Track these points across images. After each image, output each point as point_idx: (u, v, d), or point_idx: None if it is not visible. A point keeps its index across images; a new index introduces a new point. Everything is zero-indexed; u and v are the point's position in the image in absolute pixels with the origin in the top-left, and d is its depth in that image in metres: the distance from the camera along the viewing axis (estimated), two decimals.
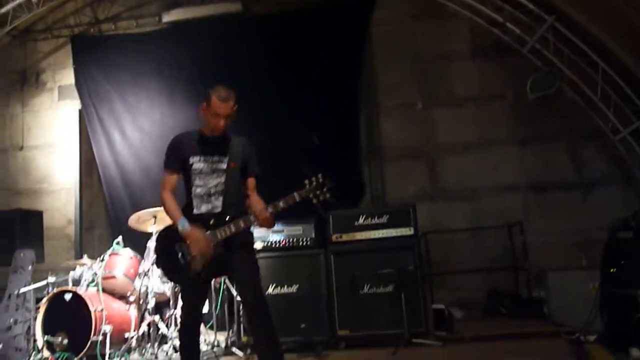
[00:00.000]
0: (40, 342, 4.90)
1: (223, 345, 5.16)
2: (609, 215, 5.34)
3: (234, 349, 5.01)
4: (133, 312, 5.32)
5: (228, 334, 5.26)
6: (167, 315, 5.30)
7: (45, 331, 4.92)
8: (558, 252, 6.48)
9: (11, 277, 5.75)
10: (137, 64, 7.63)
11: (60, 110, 8.05)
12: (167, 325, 5.22)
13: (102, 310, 4.89)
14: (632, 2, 5.63)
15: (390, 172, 7.27)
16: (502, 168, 7.00)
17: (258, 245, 5.14)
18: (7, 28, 7.55)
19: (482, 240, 6.89)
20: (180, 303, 4.91)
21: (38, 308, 5.12)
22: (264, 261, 4.88)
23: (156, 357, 4.96)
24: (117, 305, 5.25)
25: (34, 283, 5.50)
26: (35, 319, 5.11)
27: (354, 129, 7.27)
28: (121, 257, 5.30)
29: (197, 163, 3.39)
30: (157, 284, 5.26)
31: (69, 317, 4.91)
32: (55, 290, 5.09)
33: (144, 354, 5.06)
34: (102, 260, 5.28)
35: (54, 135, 7.99)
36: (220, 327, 5.35)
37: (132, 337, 5.12)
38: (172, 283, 5.05)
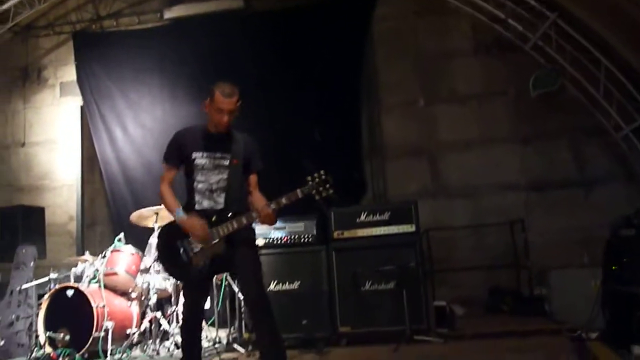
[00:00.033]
0: (42, 338, 4.90)
1: (225, 341, 5.17)
2: (611, 213, 5.34)
3: (235, 346, 5.02)
4: (135, 308, 5.33)
5: (229, 331, 5.26)
6: (168, 312, 5.31)
7: (47, 327, 4.92)
8: (560, 250, 6.48)
9: (13, 273, 5.79)
10: (138, 60, 7.62)
11: (62, 107, 8.06)
12: (168, 322, 5.23)
13: (104, 306, 4.90)
14: None
15: (392, 169, 7.26)
16: (504, 165, 6.99)
17: (260, 241, 5.13)
18: (8, 24, 7.54)
19: (484, 237, 6.89)
20: (182, 299, 4.92)
21: (40, 304, 5.13)
22: (265, 258, 4.87)
23: (158, 354, 4.97)
24: (119, 302, 5.25)
25: (36, 279, 5.52)
26: (37, 315, 5.12)
27: (356, 126, 7.26)
28: (123, 254, 5.30)
29: (200, 159, 3.39)
30: (158, 280, 5.27)
31: (70, 313, 4.92)
32: (57, 286, 5.09)
33: (145, 350, 5.07)
34: (104, 256, 5.28)
35: (55, 131, 8.00)
36: (221, 324, 5.36)
37: (134, 334, 5.14)
38: (174, 279, 5.06)
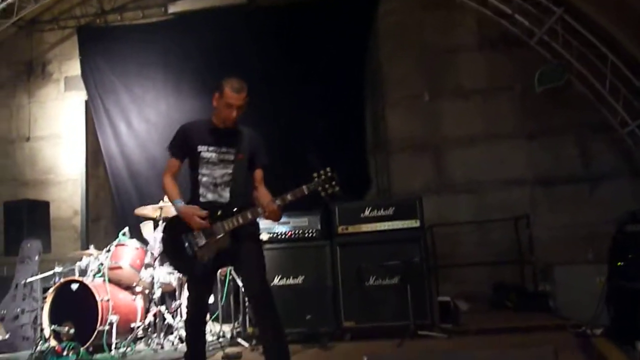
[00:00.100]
0: (47, 332, 4.92)
1: (229, 336, 5.18)
2: (616, 209, 5.32)
3: (239, 340, 5.03)
4: (139, 302, 5.35)
5: (233, 325, 5.27)
6: (173, 306, 5.32)
7: (52, 321, 4.94)
8: (565, 246, 6.47)
9: (18, 267, 5.82)
10: (143, 54, 7.62)
11: (67, 101, 8.06)
12: (173, 316, 5.24)
13: (108, 300, 4.92)
14: None
15: (396, 165, 7.25)
16: (509, 161, 6.97)
17: (264, 236, 5.14)
18: (13, 19, 7.55)
19: (488, 233, 6.88)
20: (186, 294, 4.92)
21: (45, 298, 5.14)
22: (269, 252, 4.85)
23: (162, 347, 4.98)
24: (123, 296, 5.27)
25: (41, 273, 5.54)
26: (42, 308, 5.14)
27: (360, 121, 7.26)
28: (127, 248, 5.31)
29: (205, 152, 3.38)
30: (163, 274, 5.28)
31: (75, 307, 4.94)
32: (62, 280, 5.11)
33: (150, 344, 5.09)
34: (109, 250, 5.29)
35: (60, 126, 8.01)
36: (225, 319, 5.37)
37: (138, 327, 5.16)
38: (179, 273, 5.07)
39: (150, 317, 5.20)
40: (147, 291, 5.37)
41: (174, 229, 3.44)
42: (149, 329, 5.21)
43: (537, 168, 6.93)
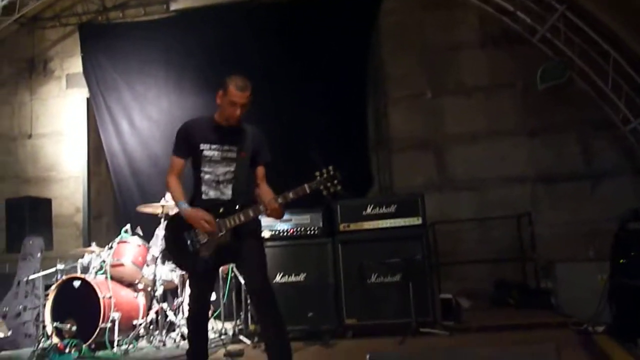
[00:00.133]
0: (49, 329, 4.93)
1: (231, 333, 5.19)
2: (618, 207, 5.33)
3: (241, 337, 5.03)
4: (141, 299, 5.36)
5: (235, 322, 5.28)
6: (175, 303, 5.33)
7: (54, 318, 4.95)
8: (566, 243, 6.47)
9: (20, 264, 5.83)
10: (144, 52, 7.62)
11: (68, 99, 8.07)
12: (175, 313, 5.25)
13: (110, 297, 4.92)
14: None
15: (398, 162, 7.25)
16: (511, 158, 6.97)
17: (266, 234, 5.14)
18: (15, 16, 7.54)
19: (490, 230, 6.88)
20: (188, 291, 4.93)
21: (47, 295, 5.15)
22: (271, 250, 4.88)
23: (164, 345, 4.99)
24: (126, 293, 5.28)
25: (43, 270, 5.54)
26: (44, 305, 5.15)
27: (362, 118, 7.25)
28: (129, 245, 5.32)
29: (208, 150, 3.38)
30: (165, 271, 5.29)
31: (77, 304, 4.95)
32: (64, 277, 5.11)
33: (152, 341, 5.09)
34: (111, 248, 5.30)
35: (62, 123, 8.01)
36: (227, 316, 5.38)
37: (141, 325, 5.17)
38: (181, 270, 5.07)
39: (152, 315, 5.21)
40: (149, 288, 5.38)
41: (176, 226, 3.44)
42: (151, 326, 5.22)
43: (539, 165, 6.93)
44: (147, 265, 5.34)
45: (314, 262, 5.18)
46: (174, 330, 5.24)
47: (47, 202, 6.87)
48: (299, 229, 5.28)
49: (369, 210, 5.25)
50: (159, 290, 5.21)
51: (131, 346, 4.90)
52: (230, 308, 5.39)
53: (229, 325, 5.29)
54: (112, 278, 5.11)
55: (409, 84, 7.31)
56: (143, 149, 7.47)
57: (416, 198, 5.24)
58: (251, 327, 5.03)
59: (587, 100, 6.72)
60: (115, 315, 4.90)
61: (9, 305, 5.60)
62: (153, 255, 5.33)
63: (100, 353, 4.79)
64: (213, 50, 7.32)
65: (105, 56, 7.74)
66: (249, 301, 5.02)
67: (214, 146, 3.38)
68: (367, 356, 2.32)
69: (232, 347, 4.60)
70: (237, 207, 3.31)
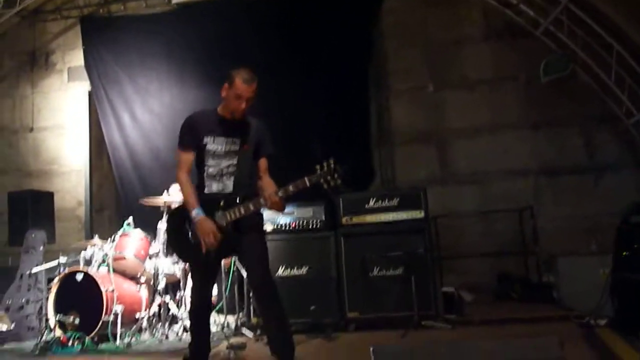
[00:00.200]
0: (52, 322, 4.94)
1: (233, 326, 5.20)
2: (620, 200, 5.32)
3: (244, 330, 5.05)
4: (144, 292, 5.36)
5: (238, 315, 5.29)
6: (177, 296, 5.34)
7: (57, 311, 4.96)
8: (568, 237, 6.47)
9: (23, 257, 5.84)
10: (146, 45, 7.60)
11: (70, 92, 8.05)
12: (177, 306, 5.26)
13: (113, 290, 4.93)
14: None
15: (401, 156, 7.24)
16: (514, 152, 6.95)
17: (268, 227, 5.15)
18: (16, 8, 7.51)
19: (492, 224, 6.88)
20: (190, 284, 4.94)
21: (50, 288, 5.16)
22: (274, 243, 4.88)
23: (167, 337, 5.00)
24: (128, 286, 5.28)
25: (46, 263, 5.55)
26: (47, 298, 5.16)
27: (364, 112, 7.23)
28: (132, 238, 5.32)
29: (211, 144, 3.37)
30: (167, 265, 5.29)
31: (80, 297, 4.95)
32: (66, 270, 5.12)
33: (154, 334, 5.11)
34: (113, 241, 5.30)
35: (63, 116, 8.00)
36: (230, 310, 5.38)
37: (143, 318, 5.17)
38: (183, 263, 5.08)
39: (154, 308, 5.22)
40: (151, 281, 5.39)
41: (178, 218, 3.45)
42: (154, 319, 5.23)
43: (542, 159, 6.92)
44: (150, 258, 5.34)
45: (316, 256, 5.18)
46: (176, 323, 5.25)
47: (49, 196, 6.86)
48: (301, 223, 5.29)
49: (371, 203, 5.25)
50: (162, 283, 5.22)
51: (134, 339, 4.92)
52: (233, 301, 5.40)
53: (231, 319, 5.31)
54: (114, 271, 5.12)
55: (411, 78, 7.28)
56: (145, 142, 7.46)
57: (419, 192, 5.24)
58: (253, 320, 5.05)
59: (590, 94, 6.71)
60: (118, 308, 4.90)
61: (12, 298, 5.62)
62: (155, 249, 5.35)
63: (103, 346, 4.80)
64: (213, 44, 7.30)
65: (107, 49, 7.72)
66: (251, 294, 5.04)
67: (217, 139, 3.37)
68: (371, 349, 2.32)
69: (234, 340, 4.61)
70: (238, 200, 3.31)
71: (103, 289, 4.86)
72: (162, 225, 5.37)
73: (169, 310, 5.20)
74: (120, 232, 5.35)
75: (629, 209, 4.42)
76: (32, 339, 5.16)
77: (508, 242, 6.77)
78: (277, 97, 6.83)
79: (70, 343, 4.64)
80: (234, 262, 5.23)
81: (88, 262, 5.28)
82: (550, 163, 6.89)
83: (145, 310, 5.25)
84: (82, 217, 7.76)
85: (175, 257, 5.21)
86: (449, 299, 5.21)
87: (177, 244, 3.54)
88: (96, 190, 7.92)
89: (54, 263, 5.37)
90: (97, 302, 4.84)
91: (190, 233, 3.34)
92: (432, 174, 7.08)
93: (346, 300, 5.06)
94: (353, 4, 7.21)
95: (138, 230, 5.44)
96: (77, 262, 5.35)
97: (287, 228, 5.29)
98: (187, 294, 5.21)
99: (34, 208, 6.36)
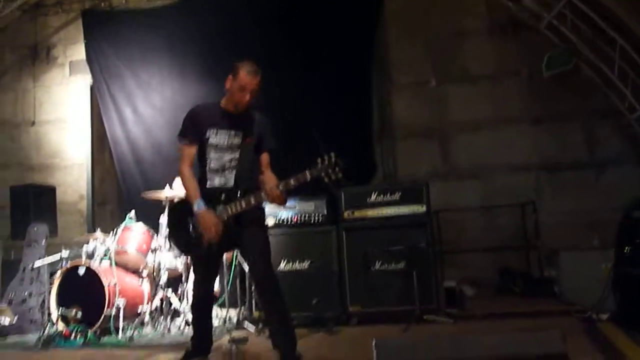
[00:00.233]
0: (54, 315, 4.96)
1: (235, 320, 5.21)
2: (622, 195, 5.32)
3: (245, 324, 5.06)
4: (146, 286, 5.37)
5: (240, 309, 5.30)
6: (179, 290, 5.35)
7: (59, 304, 4.97)
8: (570, 232, 6.46)
9: (25, 250, 5.85)
10: (148, 39, 7.58)
11: (72, 86, 8.04)
12: (179, 300, 5.27)
13: (115, 284, 4.94)
14: None
15: (402, 150, 7.23)
16: (516, 146, 6.95)
17: (270, 221, 5.15)
18: (17, 2, 7.51)
19: (494, 219, 6.88)
20: (192, 278, 4.95)
21: (52, 281, 5.17)
22: (275, 237, 4.90)
23: (169, 331, 5.01)
24: (130, 280, 5.30)
25: (48, 257, 5.56)
26: (49, 292, 5.17)
27: (366, 106, 7.21)
28: (134, 232, 5.32)
29: (214, 137, 3.37)
30: (169, 258, 5.30)
31: (82, 290, 4.96)
32: (69, 264, 5.13)
33: (156, 328, 5.12)
34: (115, 234, 5.31)
35: (65, 110, 8.00)
36: (231, 304, 5.39)
37: (145, 311, 5.18)
38: (183, 254, 5.08)
39: (156, 301, 5.23)
40: (153, 275, 5.40)
41: (179, 212, 3.46)
42: (156, 313, 5.25)
43: (544, 153, 6.91)
44: (152, 252, 5.35)
45: (318, 250, 5.19)
46: (178, 317, 5.26)
47: (51, 189, 6.87)
48: (303, 217, 5.29)
49: (373, 197, 5.25)
50: (163, 277, 5.23)
51: (136, 332, 4.93)
52: (235, 295, 5.41)
53: (233, 313, 5.32)
54: (116, 265, 5.13)
55: (413, 72, 7.27)
56: (147, 137, 7.46)
57: (421, 186, 5.24)
58: (255, 314, 5.06)
59: (593, 88, 6.69)
60: (120, 301, 4.91)
61: (15, 292, 5.63)
62: (157, 243, 5.36)
63: (105, 339, 4.81)
64: (215, 38, 7.27)
65: (108, 43, 7.70)
66: (253, 288, 5.05)
67: (220, 132, 3.37)
68: (373, 343, 2.32)
69: (236, 334, 4.62)
70: (239, 193, 3.31)
71: (105, 283, 4.87)
72: (164, 219, 5.37)
73: (170, 304, 5.21)
74: (122, 226, 5.36)
75: (631, 204, 4.41)
76: (35, 332, 5.17)
77: (510, 236, 6.77)
78: (279, 91, 6.80)
79: (72, 336, 4.66)
80: (236, 256, 5.24)
81: (90, 256, 5.29)
82: (552, 158, 6.88)
83: (147, 304, 5.26)
84: (84, 211, 7.76)
85: (177, 251, 5.21)
86: (451, 294, 5.22)
87: (179, 238, 3.55)
88: (98, 184, 7.92)
89: (56, 257, 5.38)
90: (100, 295, 4.86)
91: (191, 227, 3.34)
92: (434, 168, 7.08)
93: (348, 294, 5.07)
94: None
95: (140, 224, 5.45)
96: (80, 256, 5.35)
97: (288, 222, 5.29)
98: (189, 287, 5.21)
99: (36, 202, 6.37)
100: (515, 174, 6.92)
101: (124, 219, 5.47)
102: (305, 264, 5.17)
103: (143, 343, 4.68)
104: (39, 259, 5.63)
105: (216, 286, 4.92)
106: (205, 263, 3.54)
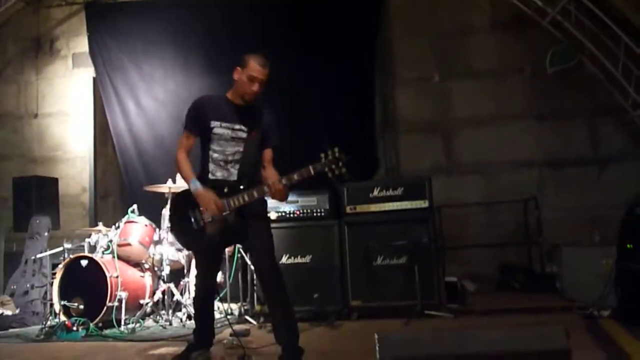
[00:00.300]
0: (57, 307, 4.97)
1: (237, 313, 5.23)
2: (624, 192, 5.32)
3: (247, 317, 5.07)
4: (148, 279, 5.38)
5: (241, 303, 5.31)
6: (181, 283, 5.36)
7: (61, 296, 4.98)
8: (572, 228, 6.48)
9: (28, 242, 5.87)
10: (151, 32, 7.56)
11: (75, 78, 8.02)
12: (181, 293, 5.28)
13: (117, 276, 4.95)
14: None
15: (405, 145, 7.23)
16: (519, 143, 6.94)
17: (272, 215, 5.15)
18: None
19: (496, 214, 6.88)
20: (194, 271, 4.95)
21: (54, 274, 5.18)
22: (277, 231, 4.83)
23: (170, 324, 5.03)
24: (132, 272, 5.30)
25: (50, 249, 5.58)
26: (51, 284, 5.19)
27: (370, 100, 7.20)
28: (136, 225, 5.33)
29: (218, 128, 3.36)
30: (171, 252, 5.31)
31: (85, 283, 4.98)
32: (71, 256, 5.14)
33: (158, 320, 5.14)
34: (118, 227, 5.31)
35: (68, 103, 7.98)
36: (233, 297, 5.40)
37: (147, 304, 5.20)
38: (184, 248, 5.08)
39: (158, 294, 5.24)
40: (155, 268, 5.42)
41: (181, 205, 3.45)
42: (158, 306, 5.26)
43: (547, 150, 6.91)
44: (154, 245, 5.36)
45: (320, 244, 5.19)
46: (180, 310, 5.28)
47: (53, 182, 6.87)
48: (305, 211, 5.29)
49: (375, 192, 5.25)
50: (166, 270, 5.24)
51: (138, 325, 4.95)
52: (236, 289, 5.42)
53: (234, 306, 5.33)
54: (119, 257, 5.14)
55: (417, 67, 7.26)
56: (149, 130, 7.45)
57: (423, 181, 5.23)
58: (257, 307, 5.07)
59: (596, 85, 6.68)
60: (122, 294, 4.93)
61: (17, 284, 5.66)
62: (160, 235, 5.37)
63: (107, 331, 4.83)
64: (217, 31, 7.26)
65: (111, 36, 7.68)
66: (254, 281, 5.06)
67: (224, 124, 3.36)
68: (375, 336, 2.32)
69: (238, 327, 4.63)
70: (242, 187, 3.31)
71: (108, 275, 4.88)
72: (166, 212, 5.38)
73: (172, 296, 5.22)
74: (125, 219, 5.36)
75: (633, 201, 4.41)
76: (37, 324, 5.21)
77: (512, 232, 6.78)
78: (282, 85, 6.79)
79: (74, 328, 4.67)
80: (238, 249, 5.25)
81: (93, 249, 5.31)
82: (555, 154, 6.88)
83: (150, 296, 5.27)
84: (87, 204, 7.76)
85: (179, 244, 5.21)
86: (452, 289, 5.23)
87: (180, 230, 3.54)
88: (100, 176, 7.92)
89: (58, 249, 5.39)
90: (102, 287, 4.87)
91: (193, 220, 3.34)
92: (436, 164, 7.07)
93: (349, 288, 5.08)
94: None
95: (142, 217, 5.45)
96: (82, 248, 5.37)
97: (291, 216, 5.29)
98: (191, 280, 5.23)
99: (39, 194, 6.37)
100: (518, 170, 6.92)
101: (126, 212, 5.47)
102: (307, 258, 5.17)
103: (145, 336, 4.69)
104: (42, 251, 5.65)
105: (219, 277, 4.95)
106: (207, 257, 3.54)
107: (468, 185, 7.01)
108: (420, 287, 4.86)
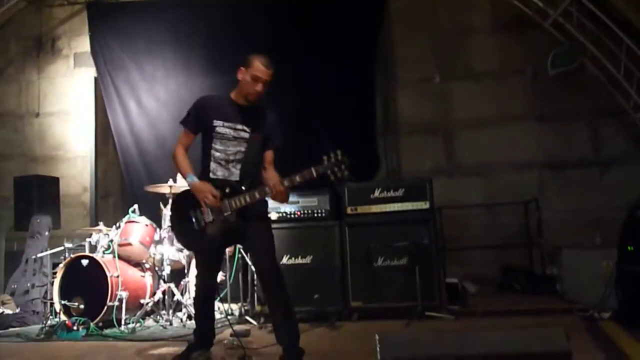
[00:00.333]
0: (57, 306, 4.97)
1: (237, 314, 5.23)
2: (626, 194, 5.31)
3: (247, 318, 5.07)
4: (148, 279, 5.38)
5: (242, 303, 5.31)
6: (182, 283, 5.36)
7: (62, 296, 4.98)
8: (573, 230, 6.47)
9: (28, 242, 5.88)
10: (153, 32, 7.56)
11: (76, 78, 8.03)
12: (181, 293, 5.28)
13: (118, 276, 4.95)
14: None
15: (406, 146, 7.23)
16: (520, 144, 6.94)
17: (273, 215, 5.15)
18: None
19: (497, 216, 6.88)
20: (194, 271, 4.95)
21: (55, 273, 5.19)
22: (278, 232, 4.83)
23: (171, 324, 5.03)
24: (133, 272, 5.31)
25: (51, 249, 5.58)
26: (52, 283, 5.19)
27: (371, 102, 7.20)
28: (137, 225, 5.33)
29: (221, 127, 3.36)
30: (172, 251, 5.31)
31: (85, 282, 4.98)
32: (72, 255, 5.14)
33: (158, 320, 5.14)
34: (118, 227, 5.32)
35: (69, 102, 7.98)
36: (234, 297, 5.40)
37: (148, 304, 5.20)
38: (184, 248, 5.08)
39: (159, 294, 5.24)
40: (156, 268, 5.42)
41: (182, 205, 3.44)
42: (158, 306, 5.26)
43: (548, 151, 6.91)
44: (155, 245, 5.36)
45: (320, 245, 5.19)
46: (180, 310, 5.28)
47: (54, 181, 6.88)
48: (306, 212, 5.29)
49: (376, 193, 5.25)
50: (166, 270, 5.24)
51: (138, 325, 4.95)
52: (237, 289, 5.42)
53: (235, 306, 5.33)
54: (119, 257, 5.14)
55: (418, 68, 7.26)
56: (150, 130, 7.45)
57: (424, 182, 5.23)
58: (257, 308, 5.07)
59: (598, 87, 6.67)
60: (123, 294, 4.93)
61: (18, 283, 5.66)
62: (160, 235, 5.37)
63: (107, 331, 4.83)
64: (219, 32, 7.26)
65: (113, 36, 7.68)
66: (255, 282, 5.06)
67: (227, 124, 3.36)
68: (376, 337, 2.32)
69: (238, 328, 4.62)
70: (244, 188, 3.31)
71: (108, 275, 4.89)
72: (167, 212, 5.38)
73: (173, 296, 5.23)
74: (125, 219, 5.36)
75: (635, 203, 4.41)
76: (37, 323, 5.21)
77: (513, 234, 6.78)
78: (283, 85, 6.77)
79: (75, 328, 4.67)
80: (238, 249, 5.25)
81: (93, 248, 5.31)
82: (556, 156, 6.88)
83: (150, 296, 5.27)
84: (87, 203, 7.76)
85: (179, 244, 5.21)
86: (453, 290, 5.23)
87: (181, 230, 3.54)
88: (101, 176, 7.92)
89: (59, 248, 5.40)
90: (102, 287, 4.87)
91: (194, 220, 3.33)
92: (437, 165, 7.07)
93: (350, 289, 5.08)
94: None
95: (143, 217, 5.45)
96: (83, 248, 5.37)
97: (292, 217, 5.29)
98: (191, 280, 5.23)
99: (40, 193, 6.38)
100: (519, 171, 6.92)
101: (127, 212, 5.47)
102: (308, 259, 5.17)
103: (145, 335, 4.69)
104: (42, 250, 5.65)
105: (220, 276, 4.94)
106: (207, 257, 3.54)
107: (469, 186, 7.01)
108: (421, 288, 4.86)
